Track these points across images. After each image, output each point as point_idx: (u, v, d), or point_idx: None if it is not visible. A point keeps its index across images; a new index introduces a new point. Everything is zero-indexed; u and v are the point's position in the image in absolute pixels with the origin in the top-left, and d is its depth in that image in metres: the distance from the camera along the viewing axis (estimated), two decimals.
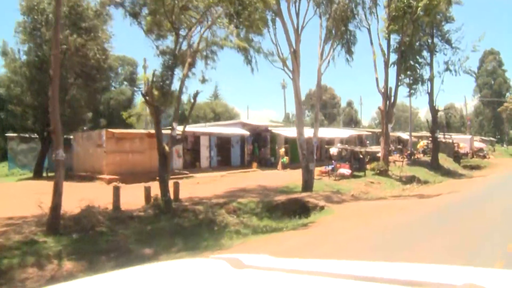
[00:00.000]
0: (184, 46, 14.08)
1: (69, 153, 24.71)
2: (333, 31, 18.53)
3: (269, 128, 31.47)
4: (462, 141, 43.78)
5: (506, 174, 29.95)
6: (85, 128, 30.00)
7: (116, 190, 13.42)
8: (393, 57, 27.98)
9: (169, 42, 14.82)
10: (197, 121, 47.79)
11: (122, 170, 20.53)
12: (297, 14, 18.07)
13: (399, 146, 42.48)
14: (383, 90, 26.46)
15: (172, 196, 15.01)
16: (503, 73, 71.88)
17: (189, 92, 44.21)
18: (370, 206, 14.65)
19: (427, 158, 34.95)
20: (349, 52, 19.70)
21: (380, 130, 33.43)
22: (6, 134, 30.50)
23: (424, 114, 74.42)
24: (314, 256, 7.10)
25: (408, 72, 29.81)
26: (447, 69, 32.20)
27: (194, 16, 14.40)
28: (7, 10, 68.39)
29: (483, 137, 61.40)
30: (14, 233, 9.66)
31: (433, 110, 33.18)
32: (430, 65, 32.01)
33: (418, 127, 74.09)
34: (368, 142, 38.95)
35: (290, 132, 28.03)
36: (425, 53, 32.00)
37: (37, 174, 24.83)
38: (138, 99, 44.71)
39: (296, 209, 13.83)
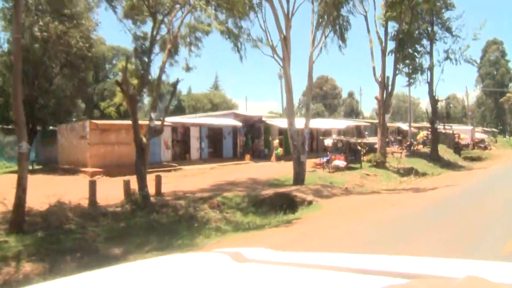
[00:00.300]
0: (164, 32, 13.24)
1: (54, 146, 24.07)
2: (325, 17, 17.63)
3: (263, 119, 30.62)
4: (463, 132, 42.86)
5: (508, 166, 29.08)
6: (74, 120, 29.24)
7: (92, 185, 12.77)
8: (391, 45, 27.13)
9: (148, 28, 14.01)
10: (195, 112, 46.95)
11: (107, 163, 19.84)
12: None
13: (399, 137, 41.69)
14: (380, 79, 25.57)
15: (154, 190, 14.34)
16: (506, 63, 70.94)
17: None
18: (362, 200, 13.90)
19: (426, 150, 34.12)
20: (342, 38, 18.78)
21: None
22: None
23: (425, 104, 73.28)
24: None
25: (407, 61, 28.93)
26: (448, 57, 31.11)
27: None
28: None
29: (485, 128, 60.45)
30: None
31: (433, 100, 32.27)
32: (430, 53, 31.00)
33: (419, 117, 72.96)
34: (366, 133, 38.18)
35: (285, 123, 27.22)
36: (424, 41, 30.98)
37: None
38: None
39: (283, 204, 13.08)
